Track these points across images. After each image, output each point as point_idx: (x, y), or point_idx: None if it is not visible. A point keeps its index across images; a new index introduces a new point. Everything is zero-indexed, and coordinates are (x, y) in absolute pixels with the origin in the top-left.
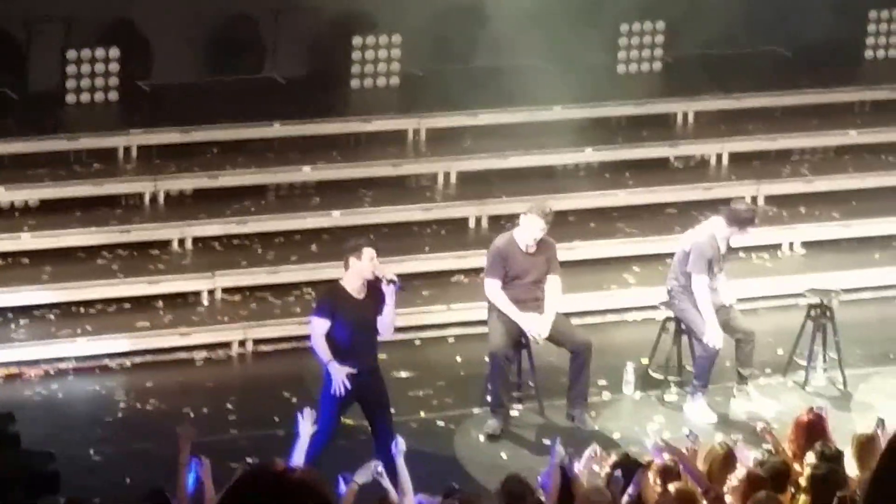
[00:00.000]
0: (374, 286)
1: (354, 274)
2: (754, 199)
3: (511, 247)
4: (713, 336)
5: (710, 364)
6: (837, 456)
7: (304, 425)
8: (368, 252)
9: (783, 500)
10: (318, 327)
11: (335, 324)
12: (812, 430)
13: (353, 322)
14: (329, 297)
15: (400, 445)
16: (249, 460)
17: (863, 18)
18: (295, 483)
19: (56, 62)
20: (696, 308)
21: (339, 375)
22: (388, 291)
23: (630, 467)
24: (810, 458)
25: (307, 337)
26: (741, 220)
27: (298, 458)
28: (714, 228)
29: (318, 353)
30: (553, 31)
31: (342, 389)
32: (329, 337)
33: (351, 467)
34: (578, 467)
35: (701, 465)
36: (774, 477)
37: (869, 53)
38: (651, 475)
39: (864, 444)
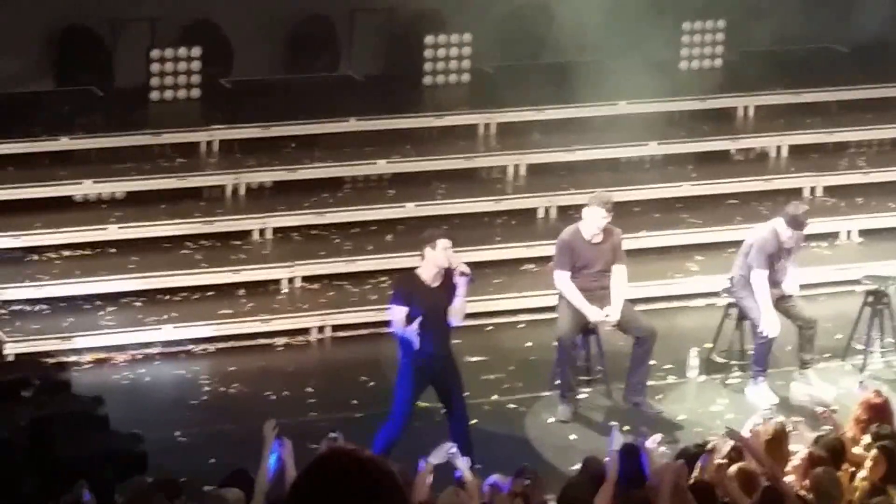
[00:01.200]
0: (448, 275)
1: (429, 263)
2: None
3: (577, 238)
4: (769, 326)
5: (767, 350)
6: (893, 436)
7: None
8: (443, 242)
9: (841, 476)
10: (397, 314)
11: (410, 310)
12: (880, 411)
13: (428, 309)
14: (404, 286)
15: (454, 449)
16: (333, 434)
17: None
18: (366, 463)
19: (141, 61)
20: (754, 298)
21: (414, 335)
22: (461, 282)
23: (694, 454)
24: (867, 439)
25: (384, 323)
26: (799, 224)
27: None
28: (777, 226)
29: (399, 333)
30: (618, 28)
31: (417, 343)
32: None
33: (426, 449)
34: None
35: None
36: (830, 453)
37: None
38: (717, 457)
39: None
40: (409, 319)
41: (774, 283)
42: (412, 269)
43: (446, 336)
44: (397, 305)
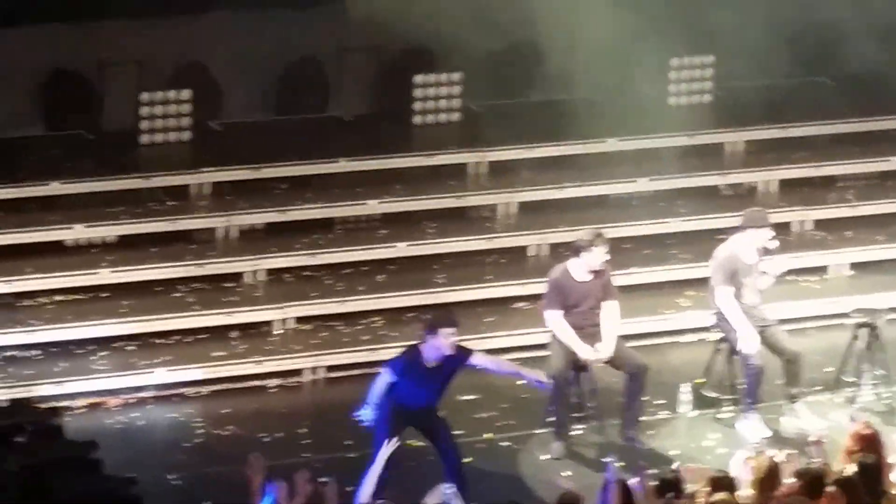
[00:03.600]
0: (449, 358)
1: (431, 347)
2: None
3: (567, 277)
4: (748, 341)
5: (757, 381)
6: (877, 466)
7: (384, 452)
8: (446, 332)
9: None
10: (381, 379)
11: (401, 382)
12: (870, 443)
13: (418, 386)
14: (403, 361)
15: (450, 490)
16: (324, 479)
17: None
18: None
19: (130, 104)
20: (733, 324)
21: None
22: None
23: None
24: (852, 468)
25: (376, 363)
26: (754, 219)
27: (370, 481)
28: (734, 241)
29: (371, 392)
30: (606, 65)
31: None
32: (394, 389)
33: (423, 489)
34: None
35: (751, 478)
36: (809, 483)
37: None
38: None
39: None
40: (394, 391)
41: (749, 307)
42: (417, 345)
43: (433, 406)
44: (386, 373)
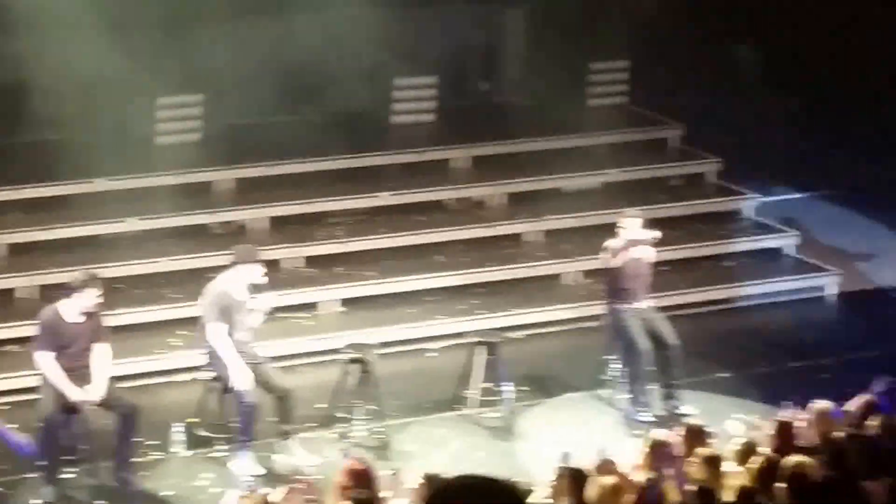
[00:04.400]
0: None
1: None
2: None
3: (58, 318)
4: (240, 378)
5: (250, 419)
6: (370, 501)
7: None
8: None
9: None
10: None
11: None
12: (362, 478)
13: None
14: None
15: None
16: None
17: (389, 87)
18: None
19: None
20: (225, 361)
21: None
22: None
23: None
24: None
25: None
26: (244, 256)
27: None
28: (225, 279)
29: None
30: (95, 105)
31: None
32: None
33: None
34: None
35: None
36: None
37: (394, 119)
38: None
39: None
40: None
41: (241, 344)
42: None
43: None
44: None
